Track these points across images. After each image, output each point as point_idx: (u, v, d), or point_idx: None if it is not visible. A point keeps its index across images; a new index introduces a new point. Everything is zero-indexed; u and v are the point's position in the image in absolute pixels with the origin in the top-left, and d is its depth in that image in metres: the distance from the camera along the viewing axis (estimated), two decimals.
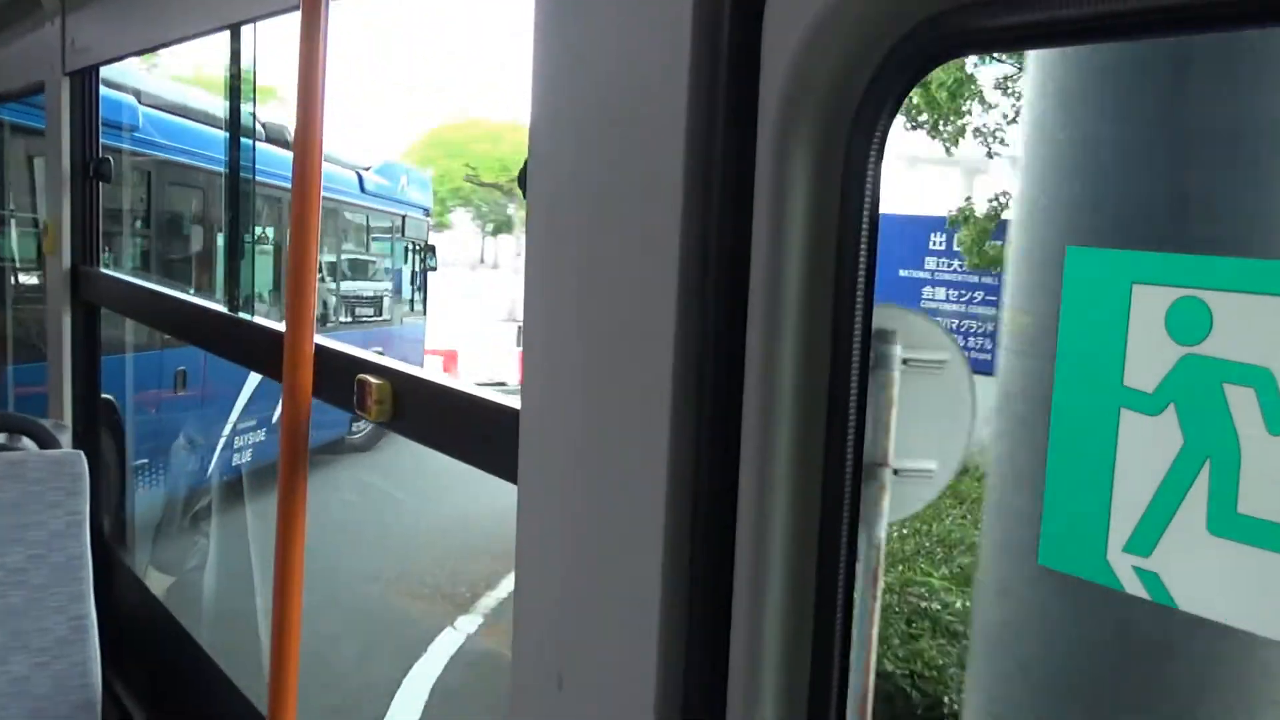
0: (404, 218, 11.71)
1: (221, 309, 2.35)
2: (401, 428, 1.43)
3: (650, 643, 0.86)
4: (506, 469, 1.20)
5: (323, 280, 9.83)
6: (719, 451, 0.84)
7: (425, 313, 12.77)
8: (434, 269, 13.09)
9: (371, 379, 1.44)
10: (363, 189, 10.21)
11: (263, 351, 1.99)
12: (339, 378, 1.51)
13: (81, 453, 1.86)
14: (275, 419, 8.56)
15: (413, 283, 12.27)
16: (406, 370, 1.45)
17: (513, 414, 1.18)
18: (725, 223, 0.82)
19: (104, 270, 2.90)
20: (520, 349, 1.01)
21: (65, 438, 1.96)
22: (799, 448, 0.82)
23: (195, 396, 7.11)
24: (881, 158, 0.83)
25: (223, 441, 7.84)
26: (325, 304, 9.69)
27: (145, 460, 6.54)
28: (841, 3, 0.74)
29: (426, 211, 12.52)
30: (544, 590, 1.00)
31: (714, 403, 0.84)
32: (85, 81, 2.81)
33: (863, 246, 0.82)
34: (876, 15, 0.74)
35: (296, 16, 1.72)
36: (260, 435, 8.38)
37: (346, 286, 10.67)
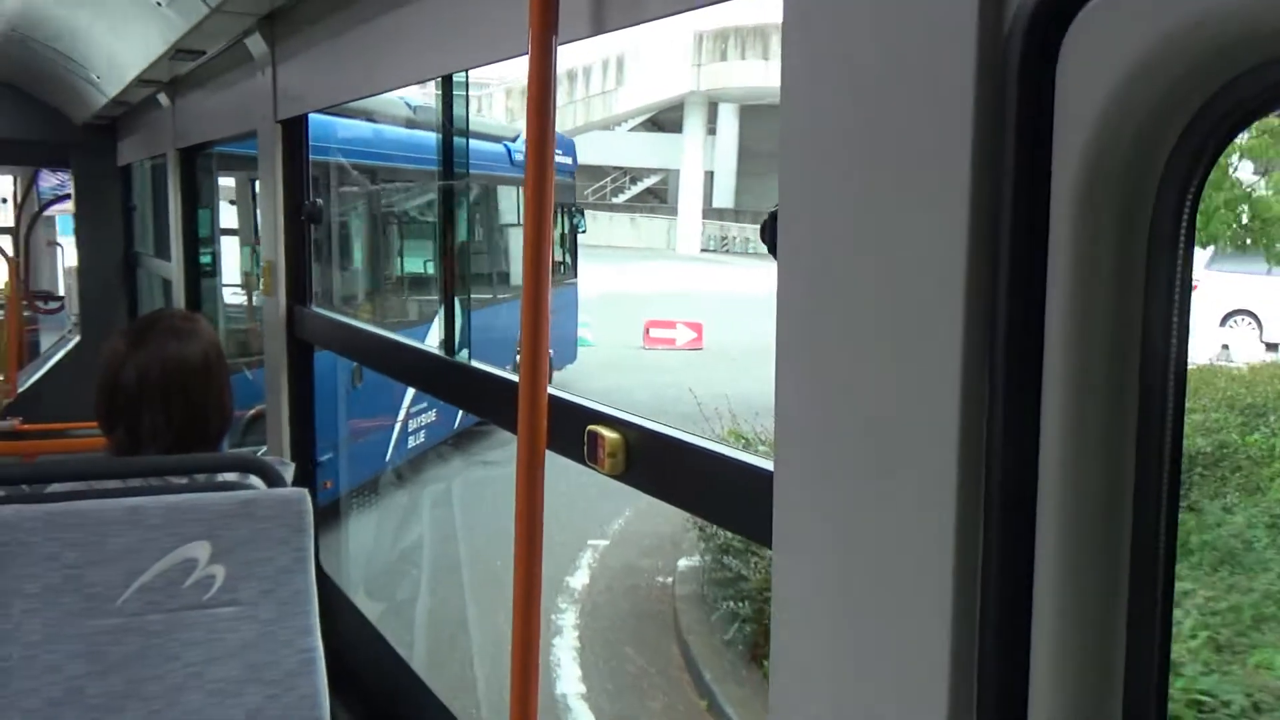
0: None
1: (436, 352, 2.34)
2: (634, 480, 1.39)
3: (938, 709, 0.83)
4: (752, 528, 1.19)
5: (478, 254, 10.03)
6: (1011, 520, 0.79)
7: (576, 275, 12.86)
8: (583, 231, 13.15)
9: (604, 431, 1.40)
10: (511, 160, 10.29)
11: (491, 399, 1.98)
12: (568, 427, 1.46)
13: (305, 491, 1.91)
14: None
15: (562, 245, 12.36)
16: (640, 422, 1.40)
17: (759, 473, 1.17)
18: (1016, 285, 0.77)
19: (317, 310, 2.97)
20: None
21: (288, 474, 2.02)
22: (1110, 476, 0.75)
23: (372, 387, 7.37)
24: (1195, 213, 0.74)
25: (398, 426, 8.15)
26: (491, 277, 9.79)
27: (330, 456, 6.82)
28: (1147, 62, 0.67)
29: (572, 173, 12.55)
30: (806, 651, 0.98)
31: (1004, 472, 0.79)
32: (295, 128, 2.86)
33: (1174, 325, 0.74)
34: (1186, 74, 0.67)
35: None
36: (432, 415, 8.70)
37: (501, 262, 10.82)
